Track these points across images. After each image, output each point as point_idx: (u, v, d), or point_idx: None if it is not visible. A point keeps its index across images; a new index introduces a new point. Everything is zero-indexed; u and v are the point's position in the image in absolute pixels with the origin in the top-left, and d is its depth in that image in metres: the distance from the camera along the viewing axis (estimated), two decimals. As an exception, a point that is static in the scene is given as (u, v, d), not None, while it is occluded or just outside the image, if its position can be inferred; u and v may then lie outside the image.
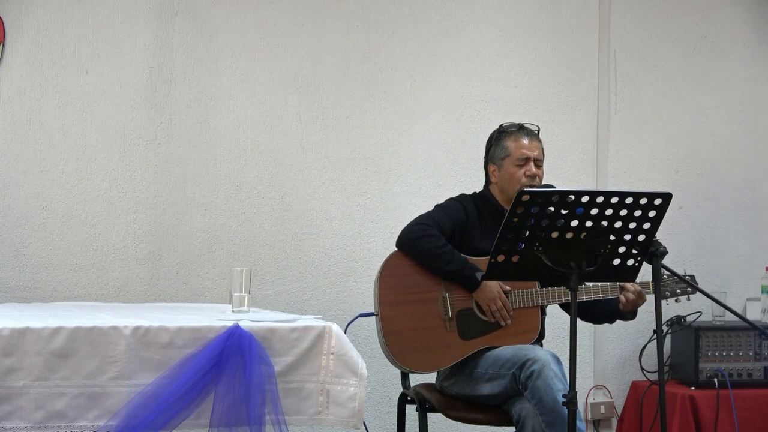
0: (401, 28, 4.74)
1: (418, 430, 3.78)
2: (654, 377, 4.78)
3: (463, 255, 3.74)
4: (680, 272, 3.58)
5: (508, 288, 3.74)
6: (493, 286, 3.71)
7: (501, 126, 3.93)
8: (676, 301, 3.93)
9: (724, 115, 5.21)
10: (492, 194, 3.92)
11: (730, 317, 4.59)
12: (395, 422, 4.01)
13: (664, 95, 5.13)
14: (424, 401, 3.79)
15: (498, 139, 3.90)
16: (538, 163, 3.86)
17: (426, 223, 3.77)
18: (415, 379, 3.99)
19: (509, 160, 3.85)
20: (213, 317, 3.11)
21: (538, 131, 3.91)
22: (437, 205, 3.91)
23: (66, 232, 4.27)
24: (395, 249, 3.81)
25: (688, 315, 4.68)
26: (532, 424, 3.51)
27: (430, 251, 3.72)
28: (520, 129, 3.89)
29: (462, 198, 3.94)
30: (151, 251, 4.36)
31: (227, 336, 2.89)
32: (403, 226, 3.89)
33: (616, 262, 3.15)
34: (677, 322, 4.72)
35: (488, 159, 3.94)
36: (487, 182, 3.96)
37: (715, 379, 4.59)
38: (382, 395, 4.60)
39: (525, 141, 3.85)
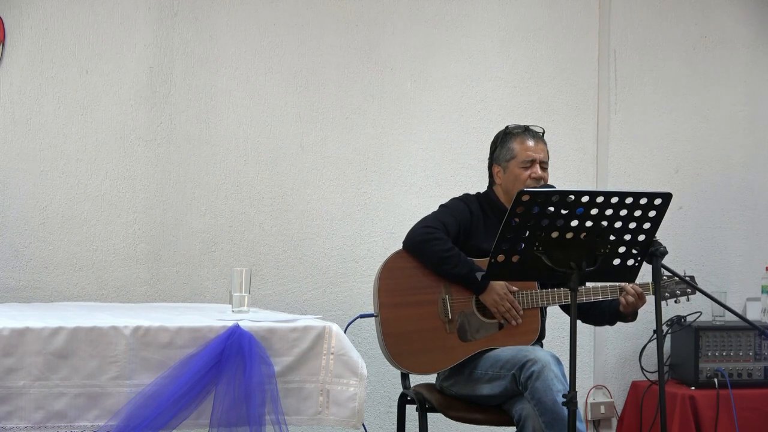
0: (401, 28, 4.74)
1: (418, 430, 3.78)
2: (654, 377, 4.78)
3: (469, 258, 3.74)
4: (680, 272, 3.57)
5: (515, 288, 3.73)
6: (500, 288, 3.71)
7: (507, 127, 3.92)
8: (675, 302, 3.93)
9: (724, 115, 5.21)
10: (496, 195, 3.92)
11: (730, 317, 4.59)
12: (395, 422, 4.01)
13: (664, 95, 5.13)
14: (424, 401, 3.79)
15: (503, 140, 3.89)
16: (544, 165, 3.85)
17: (433, 226, 3.76)
18: (415, 379, 3.98)
19: (515, 162, 3.84)
20: (213, 317, 3.11)
21: (543, 133, 3.91)
22: (442, 206, 3.90)
23: (66, 232, 4.27)
24: (395, 250, 3.81)
25: (688, 315, 4.68)
26: (533, 425, 3.51)
27: (437, 254, 3.71)
28: (526, 131, 3.88)
29: (466, 198, 3.93)
30: (151, 251, 4.36)
31: (227, 336, 2.89)
32: (404, 226, 3.90)
33: (616, 262, 3.15)
34: (677, 322, 4.72)
35: (493, 160, 3.93)
36: (491, 183, 3.96)
37: (715, 379, 4.59)
38: (382, 395, 4.60)
39: (530, 143, 3.85)
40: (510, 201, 3.84)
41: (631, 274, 3.21)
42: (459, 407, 3.77)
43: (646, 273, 3.31)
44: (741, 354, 4.66)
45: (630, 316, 3.85)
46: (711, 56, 5.19)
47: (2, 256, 4.18)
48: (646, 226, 3.08)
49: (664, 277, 3.83)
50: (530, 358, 3.54)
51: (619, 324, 3.95)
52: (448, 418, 3.79)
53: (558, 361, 3.54)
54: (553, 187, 3.78)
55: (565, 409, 3.13)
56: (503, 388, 3.62)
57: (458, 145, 4.79)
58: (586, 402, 4.95)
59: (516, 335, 3.75)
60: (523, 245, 3.08)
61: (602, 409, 4.98)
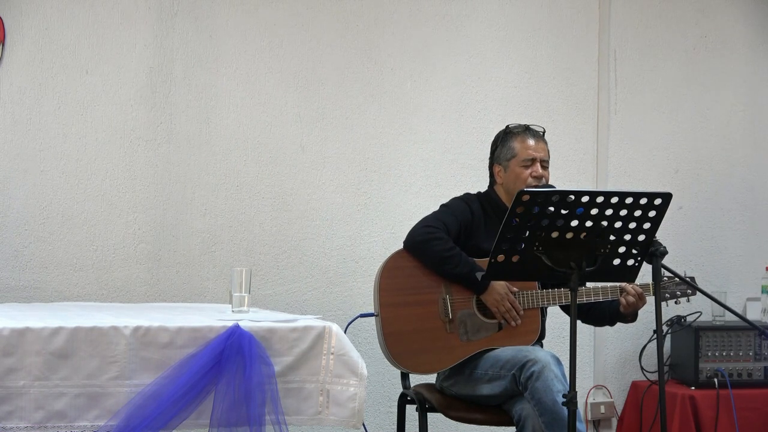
0: (401, 28, 4.74)
1: (418, 430, 3.78)
2: (654, 377, 4.78)
3: (470, 258, 3.74)
4: (680, 272, 3.57)
5: (515, 289, 3.73)
6: (501, 288, 3.71)
7: (507, 127, 3.93)
8: (675, 302, 3.93)
9: (724, 115, 5.21)
10: (497, 194, 3.92)
11: (730, 317, 4.59)
12: (395, 422, 4.01)
13: (664, 95, 5.13)
14: (424, 401, 3.79)
15: (504, 139, 3.89)
16: (544, 164, 3.85)
17: (433, 225, 3.76)
18: (415, 379, 3.99)
19: (515, 161, 3.84)
20: (213, 317, 3.11)
21: (544, 132, 3.91)
22: (443, 205, 3.90)
23: (66, 232, 4.27)
24: (395, 250, 3.81)
25: (688, 315, 4.68)
26: (533, 425, 3.51)
27: (438, 254, 3.71)
28: (527, 130, 3.88)
29: (467, 197, 3.93)
30: (151, 251, 4.37)
31: (227, 336, 2.89)
32: (404, 226, 3.90)
33: (616, 262, 3.15)
34: (677, 322, 4.72)
35: (493, 159, 3.94)
36: (492, 182, 3.96)
37: (715, 379, 4.59)
38: (382, 395, 4.60)
39: (531, 142, 3.85)
40: (511, 200, 3.84)
41: (631, 274, 3.21)
42: (459, 407, 3.77)
43: (646, 273, 3.31)
44: (741, 354, 4.66)
45: (630, 316, 3.85)
46: (711, 56, 5.19)
47: (2, 256, 4.18)
48: (646, 226, 3.08)
49: (664, 278, 3.83)
50: (530, 358, 3.54)
51: (619, 324, 3.95)
52: (448, 418, 3.79)
53: (558, 361, 3.54)
54: (553, 187, 3.79)
55: (565, 409, 3.13)
56: (503, 388, 3.62)
57: (458, 145, 4.79)
58: (586, 402, 4.95)
59: (516, 335, 3.75)
60: (523, 245, 3.08)
61: (602, 409, 4.98)
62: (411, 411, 3.91)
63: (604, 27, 5.03)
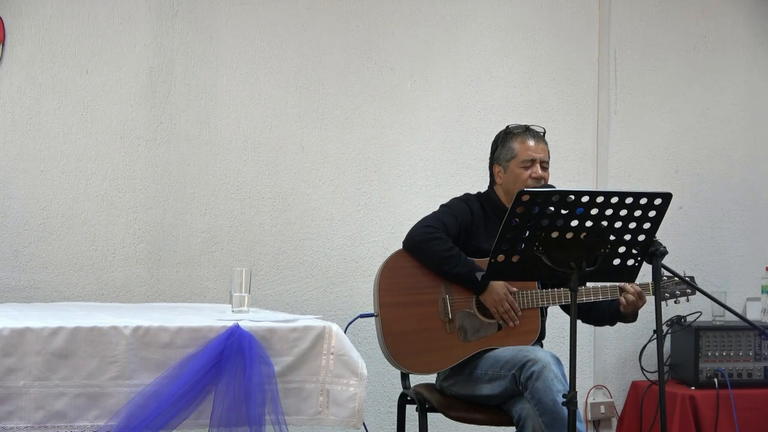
0: (401, 28, 4.74)
1: (418, 430, 3.78)
2: (654, 377, 4.78)
3: (469, 258, 3.74)
4: (680, 272, 3.57)
5: (515, 289, 3.73)
6: (500, 288, 3.71)
7: (507, 127, 3.93)
8: (675, 302, 3.93)
9: (724, 115, 5.21)
10: (497, 195, 3.92)
11: (730, 317, 4.59)
12: (395, 422, 4.01)
13: (664, 95, 5.13)
14: (424, 401, 3.79)
15: (504, 140, 3.89)
16: (544, 165, 3.85)
17: (433, 225, 3.76)
18: (415, 379, 3.99)
19: (515, 162, 3.84)
20: (213, 317, 3.11)
21: (544, 133, 3.91)
22: (442, 206, 3.90)
23: (66, 232, 4.27)
24: (395, 250, 3.81)
25: (688, 315, 4.68)
26: (533, 425, 3.52)
27: (437, 254, 3.71)
28: (527, 131, 3.88)
29: (467, 198, 3.93)
30: (151, 251, 4.37)
31: (227, 336, 2.89)
32: (404, 227, 3.90)
33: (616, 262, 3.15)
34: (677, 322, 4.72)
35: (493, 160, 3.94)
36: (492, 183, 3.96)
37: (715, 379, 4.59)
38: (382, 395, 4.60)
39: (531, 143, 3.85)
40: (511, 201, 3.83)
41: (631, 274, 3.21)
42: (459, 407, 3.77)
43: (646, 273, 3.31)
44: (741, 354, 4.66)
45: (630, 316, 3.85)
46: (711, 56, 5.19)
47: (2, 256, 4.18)
48: (646, 226, 3.08)
49: (664, 278, 3.83)
50: (530, 358, 3.54)
51: (619, 324, 3.96)
52: (448, 418, 3.79)
53: (558, 361, 3.54)
54: (553, 187, 3.79)
55: (565, 409, 3.13)
56: (503, 388, 3.62)
57: (458, 145, 4.79)
58: (586, 402, 4.95)
59: (516, 335, 3.75)
60: (523, 245, 3.08)
61: (602, 409, 4.98)
62: (411, 411, 3.91)
63: (604, 27, 5.03)
